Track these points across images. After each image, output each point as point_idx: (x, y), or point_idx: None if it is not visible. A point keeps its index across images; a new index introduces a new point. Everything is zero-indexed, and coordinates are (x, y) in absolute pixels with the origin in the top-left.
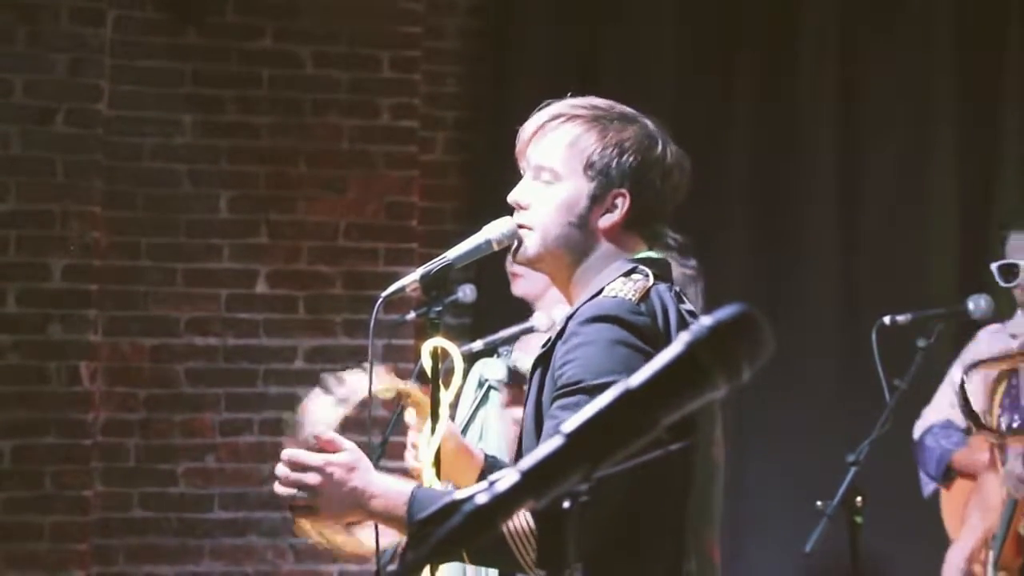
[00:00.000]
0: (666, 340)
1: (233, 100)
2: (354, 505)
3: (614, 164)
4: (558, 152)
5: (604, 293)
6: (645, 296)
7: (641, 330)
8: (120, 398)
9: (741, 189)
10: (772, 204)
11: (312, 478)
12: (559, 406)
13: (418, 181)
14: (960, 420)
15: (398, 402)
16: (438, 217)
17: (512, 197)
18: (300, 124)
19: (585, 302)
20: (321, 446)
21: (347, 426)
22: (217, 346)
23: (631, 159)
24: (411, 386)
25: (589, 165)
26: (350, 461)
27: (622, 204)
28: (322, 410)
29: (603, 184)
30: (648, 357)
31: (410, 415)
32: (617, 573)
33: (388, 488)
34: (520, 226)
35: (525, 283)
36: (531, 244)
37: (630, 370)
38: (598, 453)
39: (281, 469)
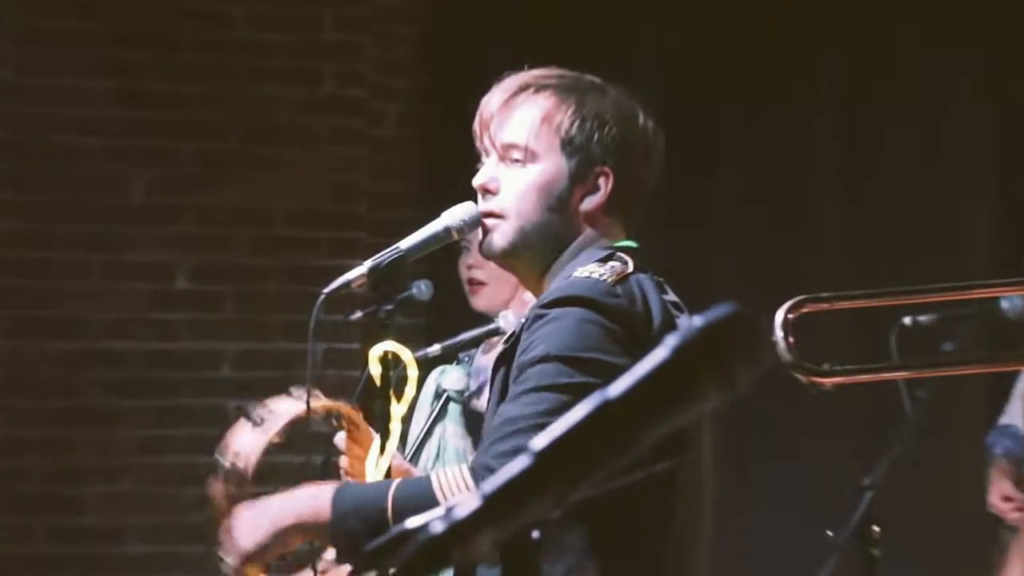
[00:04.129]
0: (647, 327)
1: (154, 66)
2: (277, 523)
3: (595, 138)
4: (530, 127)
5: (574, 275)
6: (622, 280)
7: (616, 312)
8: (22, 413)
9: (736, 180)
10: (770, 194)
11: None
12: (520, 382)
13: (367, 159)
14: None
15: (333, 423)
16: (390, 201)
17: (478, 182)
18: (231, 94)
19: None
20: None
21: (284, 446)
22: (135, 351)
23: (613, 132)
24: (342, 404)
25: (567, 140)
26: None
27: (605, 183)
28: (245, 441)
29: (583, 161)
30: (624, 343)
31: (340, 438)
32: None
33: (302, 492)
34: (489, 215)
35: (489, 293)
36: (504, 235)
37: (604, 351)
38: (572, 474)
39: None
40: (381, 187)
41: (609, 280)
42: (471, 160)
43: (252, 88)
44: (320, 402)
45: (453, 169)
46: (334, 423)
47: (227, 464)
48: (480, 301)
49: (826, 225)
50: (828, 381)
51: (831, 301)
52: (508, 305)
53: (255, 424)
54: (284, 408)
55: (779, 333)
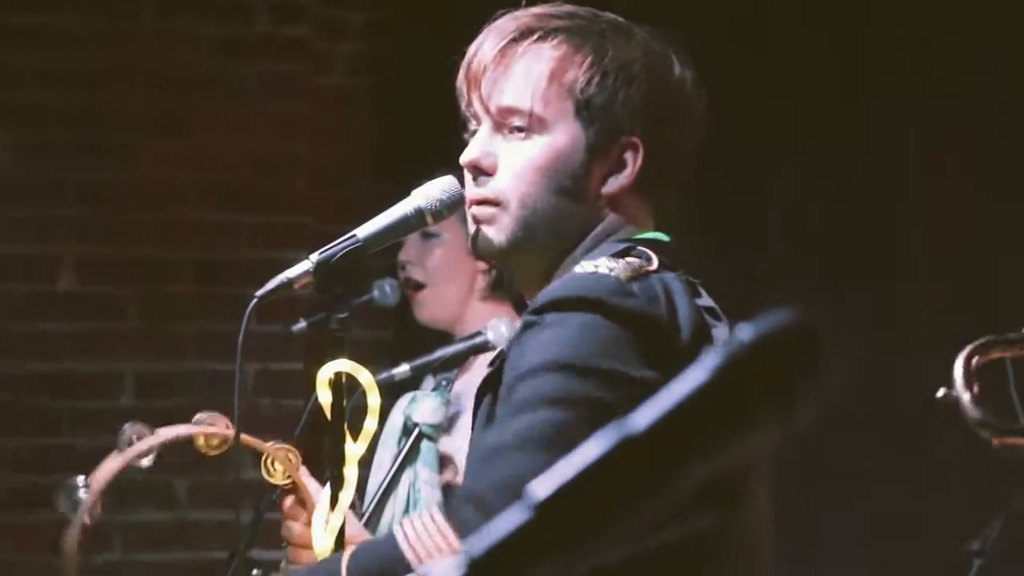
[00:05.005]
0: (673, 334)
1: None
2: None
3: (619, 98)
4: (536, 87)
5: (575, 271)
6: (639, 277)
7: (631, 316)
8: None
9: (798, 161)
10: (843, 174)
11: None
12: (508, 401)
13: (309, 118)
14: None
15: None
16: (340, 175)
17: (468, 158)
18: (128, 31)
19: None
20: None
21: (206, 496)
22: (2, 375)
23: (643, 89)
24: (271, 445)
25: (584, 103)
26: None
27: (633, 158)
28: (104, 467)
29: (605, 130)
30: (645, 352)
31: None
32: None
33: None
34: (483, 202)
35: (430, 299)
36: (503, 228)
37: (618, 359)
38: (583, 533)
39: None
40: (328, 155)
41: (621, 276)
42: (448, 118)
43: (157, 23)
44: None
45: (424, 131)
46: (268, 471)
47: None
48: (422, 310)
49: (920, 202)
50: None
51: None
52: (460, 315)
53: (120, 449)
54: (167, 431)
55: (960, 384)
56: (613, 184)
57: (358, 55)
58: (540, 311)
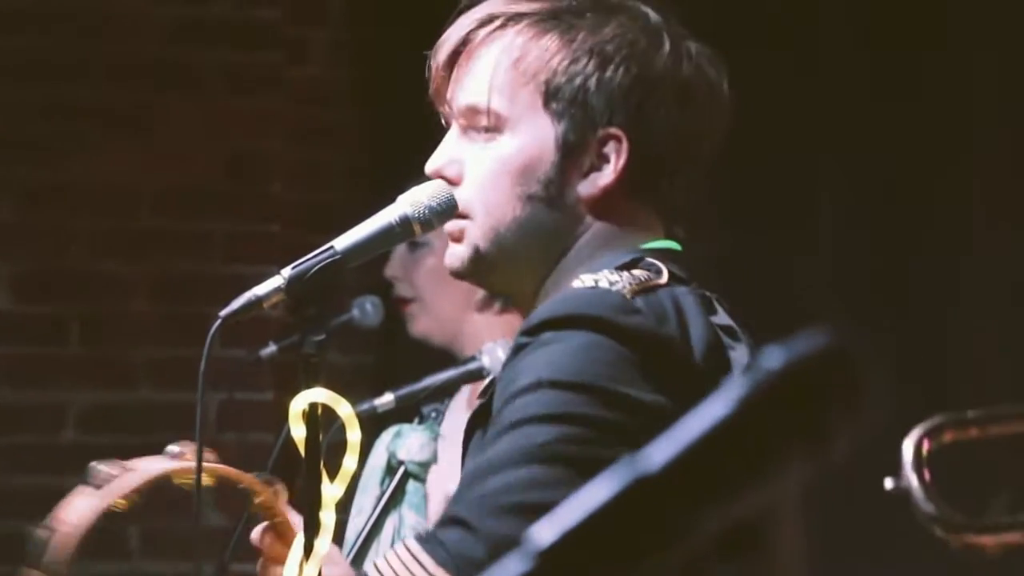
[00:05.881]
0: (685, 354)
1: None
2: None
3: (593, 86)
4: (495, 79)
5: (572, 285)
6: (646, 292)
7: (636, 335)
8: None
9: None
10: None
11: None
12: (499, 422)
13: (283, 115)
14: None
15: (247, 502)
16: (317, 179)
17: (430, 167)
18: (73, 12)
19: None
20: None
21: (163, 545)
22: None
23: (621, 72)
24: (250, 477)
25: (552, 93)
26: None
27: (616, 152)
28: (74, 507)
29: (579, 122)
30: (652, 375)
31: (257, 531)
32: None
33: None
34: None
35: (421, 314)
36: (471, 244)
37: (621, 381)
38: None
39: None
40: (303, 156)
41: (625, 291)
42: (438, 115)
43: (104, 5)
44: (213, 466)
45: (411, 130)
46: (247, 505)
47: (42, 536)
48: (414, 323)
49: (965, 224)
50: (993, 542)
51: (983, 424)
52: (457, 330)
53: (94, 485)
54: (144, 466)
55: (911, 472)
56: (593, 184)
57: (337, 43)
58: (533, 331)
